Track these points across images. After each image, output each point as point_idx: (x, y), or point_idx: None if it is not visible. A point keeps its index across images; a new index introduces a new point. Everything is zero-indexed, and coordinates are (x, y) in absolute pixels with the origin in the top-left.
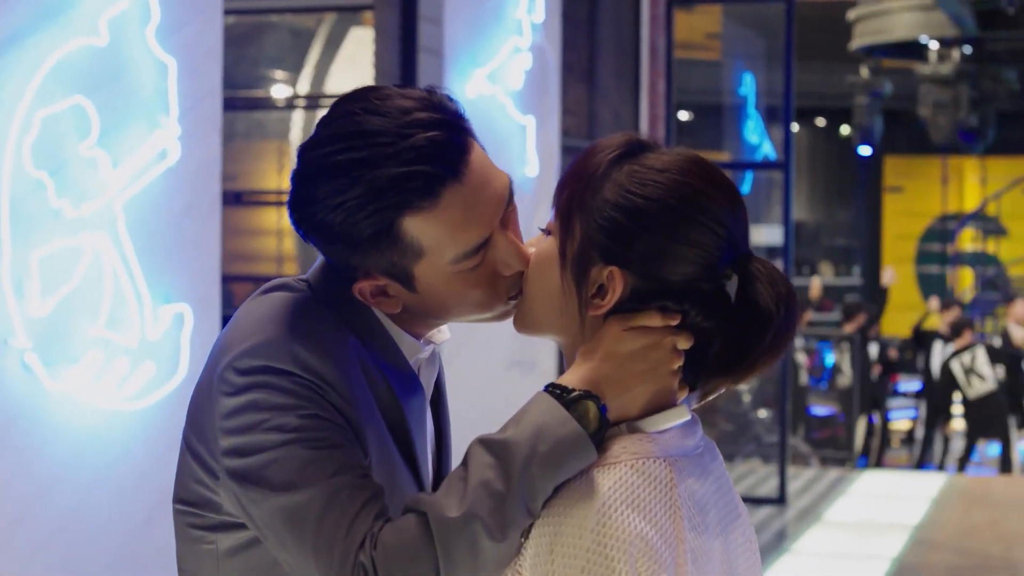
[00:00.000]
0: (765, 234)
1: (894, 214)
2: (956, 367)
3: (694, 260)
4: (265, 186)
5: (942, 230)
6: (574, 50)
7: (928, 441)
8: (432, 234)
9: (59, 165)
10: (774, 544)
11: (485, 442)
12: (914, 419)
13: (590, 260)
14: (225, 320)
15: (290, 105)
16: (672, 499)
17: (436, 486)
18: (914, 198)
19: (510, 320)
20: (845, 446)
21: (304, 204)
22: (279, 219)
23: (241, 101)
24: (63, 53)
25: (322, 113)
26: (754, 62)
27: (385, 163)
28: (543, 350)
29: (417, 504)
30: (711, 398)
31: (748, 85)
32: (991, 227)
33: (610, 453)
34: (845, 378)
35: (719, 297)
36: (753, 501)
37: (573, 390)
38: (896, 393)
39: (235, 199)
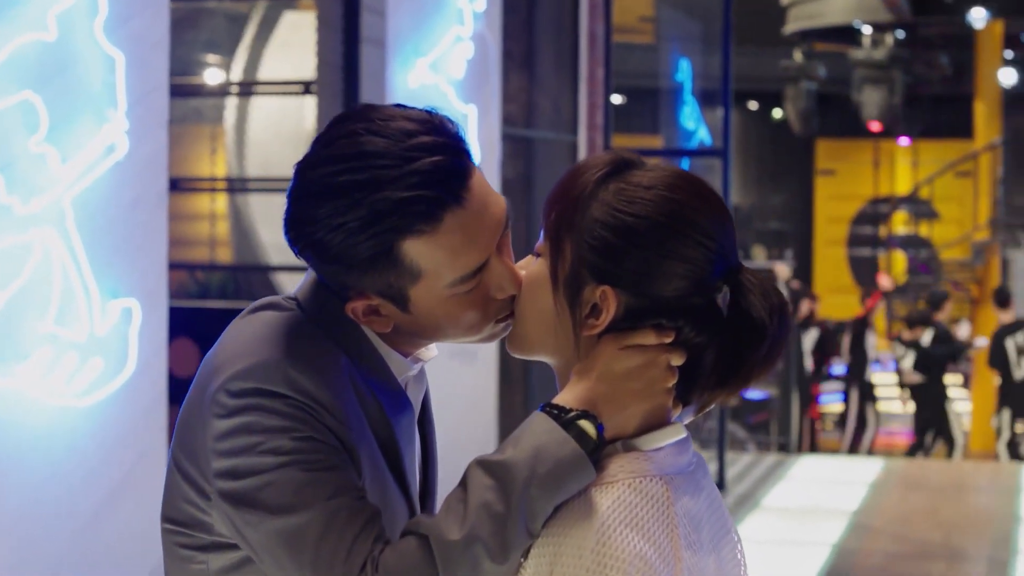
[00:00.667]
0: None
1: (826, 197)
2: (1010, 346)
3: (685, 275)
4: (198, 172)
5: (874, 213)
6: (514, 38)
7: (862, 424)
8: (431, 257)
9: (8, 161)
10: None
11: (484, 463)
12: (843, 401)
13: (582, 280)
14: (172, 314)
15: (224, 91)
16: (669, 518)
17: (423, 501)
18: (846, 181)
19: None
20: (782, 431)
21: (302, 223)
22: (212, 204)
23: (175, 87)
24: (12, 48)
25: (255, 99)
26: (688, 45)
27: (388, 186)
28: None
29: (417, 527)
30: (706, 411)
31: (684, 71)
32: (923, 210)
33: (607, 472)
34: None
35: (712, 311)
36: None
37: (570, 410)
38: (830, 376)
39: (170, 185)
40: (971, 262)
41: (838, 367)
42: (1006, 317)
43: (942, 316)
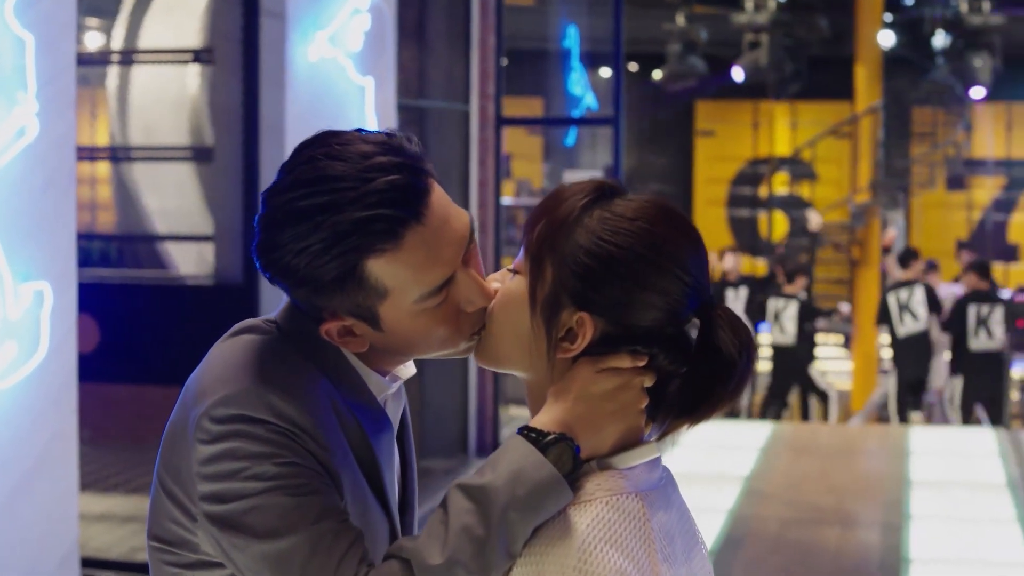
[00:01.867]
0: (581, 178)
1: (706, 159)
2: (892, 302)
3: (661, 307)
4: (80, 136)
5: (753, 174)
6: (406, 8)
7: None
8: (395, 275)
9: None
10: None
11: (464, 487)
12: None
13: (561, 304)
14: (82, 292)
15: (104, 59)
16: (646, 533)
17: (402, 514)
18: (725, 142)
19: None
20: None
21: (269, 249)
22: (92, 170)
23: None
24: None
25: (136, 68)
26: (573, 6)
27: (347, 207)
28: None
29: (400, 551)
30: (672, 435)
31: (572, 37)
32: (802, 171)
33: (584, 491)
34: None
35: (683, 341)
36: None
37: (548, 433)
38: None
39: None
40: (851, 224)
41: None
42: (906, 275)
43: (794, 289)
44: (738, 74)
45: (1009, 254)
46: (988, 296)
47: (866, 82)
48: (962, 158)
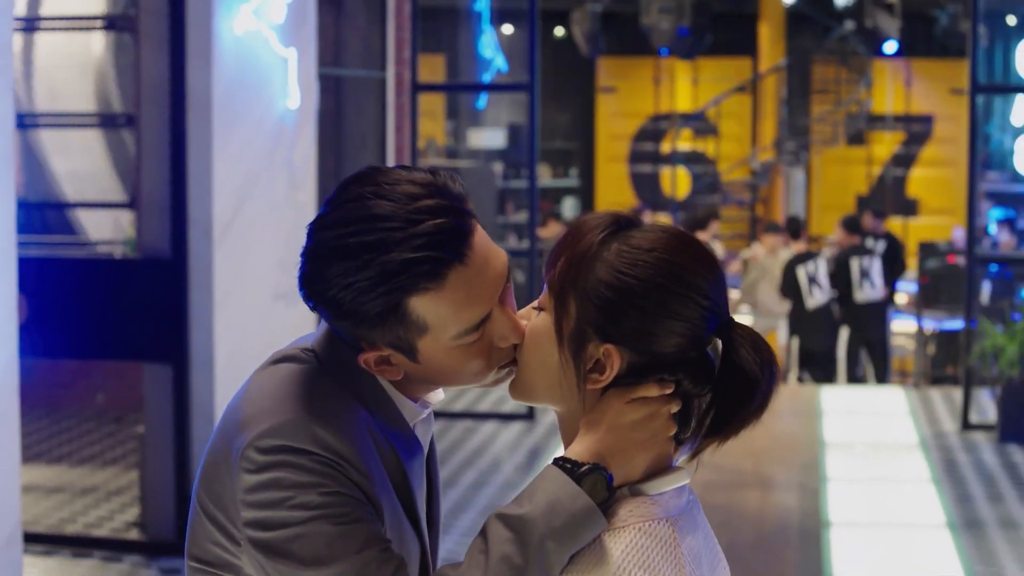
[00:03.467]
0: (486, 138)
1: (608, 115)
2: (802, 275)
3: (683, 333)
4: None
5: (655, 130)
6: None
7: None
8: (437, 312)
9: None
10: (527, 462)
11: (503, 517)
12: None
13: (587, 337)
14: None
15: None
16: (677, 558)
17: (428, 531)
18: (627, 99)
19: (277, 251)
20: None
21: (315, 281)
22: None
23: None
24: None
25: (40, 36)
26: None
27: (395, 248)
28: None
29: None
30: (699, 455)
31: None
32: (704, 127)
33: (617, 517)
34: None
35: (706, 363)
36: (502, 418)
37: (582, 464)
38: None
39: None
40: (755, 182)
41: None
42: (798, 247)
43: (706, 236)
44: (656, 37)
45: (909, 208)
46: (865, 249)
47: (769, 40)
48: (865, 114)
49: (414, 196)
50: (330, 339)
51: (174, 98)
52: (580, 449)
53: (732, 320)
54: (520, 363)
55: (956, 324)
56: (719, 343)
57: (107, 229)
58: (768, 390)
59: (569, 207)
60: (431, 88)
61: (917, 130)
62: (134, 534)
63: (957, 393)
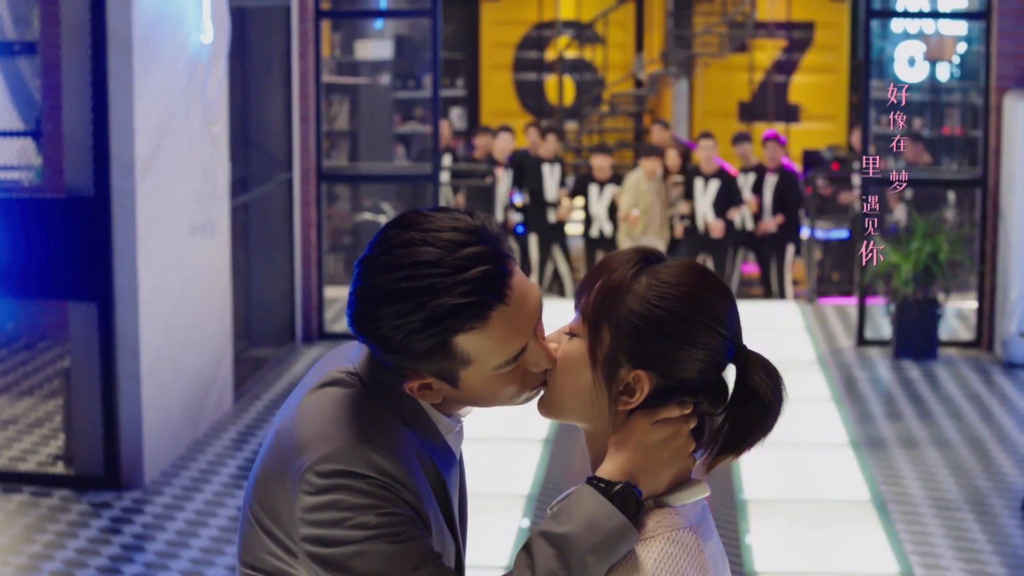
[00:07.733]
0: (373, 48)
1: (491, 23)
2: None
3: (705, 360)
4: None
5: (538, 38)
6: None
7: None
8: (480, 347)
9: None
10: None
11: (546, 535)
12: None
13: (619, 363)
14: None
15: None
16: (701, 563)
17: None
18: (511, 7)
19: (194, 185)
20: None
21: (366, 320)
22: None
23: None
24: None
25: None
26: None
27: (443, 293)
28: (220, 215)
29: None
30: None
31: None
32: (588, 35)
33: (647, 528)
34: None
35: (722, 387)
36: None
37: (614, 483)
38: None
39: None
40: (643, 93)
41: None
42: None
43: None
44: None
45: (791, 115)
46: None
47: None
48: (751, 24)
49: (458, 243)
50: (372, 365)
51: (95, 37)
52: (611, 468)
53: (746, 347)
54: (552, 385)
55: (841, 234)
56: (734, 369)
57: (9, 156)
58: (778, 411)
59: (457, 117)
60: (335, 15)
61: (798, 37)
62: (60, 468)
63: (851, 309)
